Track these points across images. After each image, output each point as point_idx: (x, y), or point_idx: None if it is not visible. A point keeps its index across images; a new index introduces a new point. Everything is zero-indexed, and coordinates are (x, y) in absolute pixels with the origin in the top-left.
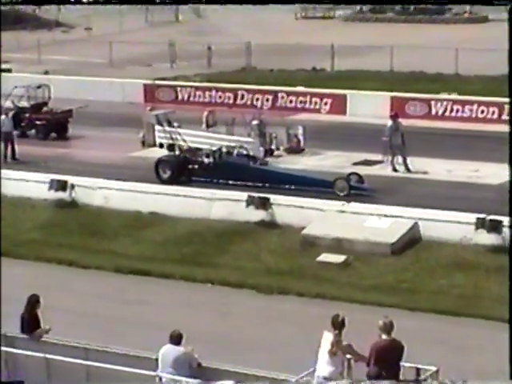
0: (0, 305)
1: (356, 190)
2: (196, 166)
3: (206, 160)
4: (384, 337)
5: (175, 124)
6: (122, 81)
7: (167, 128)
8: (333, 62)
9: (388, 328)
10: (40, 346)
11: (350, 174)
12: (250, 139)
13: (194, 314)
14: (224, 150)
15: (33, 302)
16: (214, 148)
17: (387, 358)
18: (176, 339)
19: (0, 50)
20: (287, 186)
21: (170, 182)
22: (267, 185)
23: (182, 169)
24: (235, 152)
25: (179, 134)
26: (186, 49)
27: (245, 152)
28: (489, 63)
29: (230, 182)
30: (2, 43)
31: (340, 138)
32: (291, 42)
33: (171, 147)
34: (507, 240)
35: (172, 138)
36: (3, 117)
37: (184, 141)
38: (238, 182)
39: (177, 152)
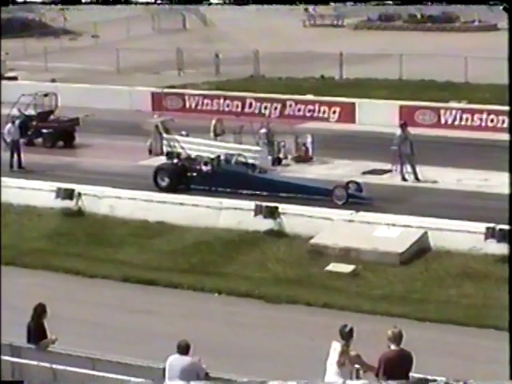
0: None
1: (354, 198)
2: (194, 174)
3: (204, 168)
4: (393, 347)
5: (183, 132)
6: (130, 89)
7: (166, 136)
8: (341, 70)
9: (397, 338)
10: (46, 355)
11: (348, 183)
12: (257, 148)
13: (201, 323)
14: (222, 157)
15: (39, 311)
16: (213, 156)
17: (396, 368)
18: (183, 349)
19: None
20: (286, 195)
21: (169, 190)
22: (265, 193)
23: (180, 177)
24: (234, 160)
25: (177, 141)
26: (194, 56)
27: (243, 160)
28: (498, 71)
29: (229, 190)
30: (8, 51)
31: (349, 146)
32: (300, 49)
33: (170, 155)
34: None
35: (181, 147)
36: (9, 125)
37: (182, 148)
38: (237, 190)
39: (175, 160)
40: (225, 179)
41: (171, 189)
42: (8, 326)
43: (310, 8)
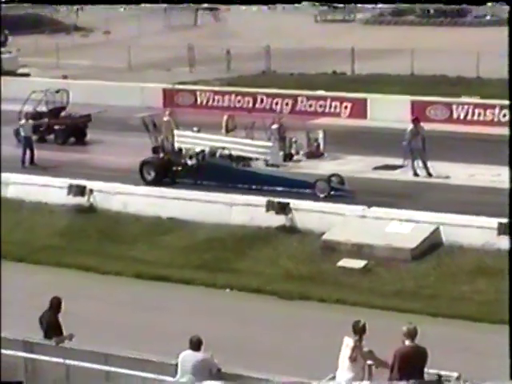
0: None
1: (337, 191)
2: (180, 168)
3: (189, 162)
4: (407, 343)
5: (195, 128)
6: (141, 85)
7: (152, 131)
8: (353, 65)
9: (412, 334)
10: (59, 351)
11: (331, 176)
12: (269, 143)
13: (213, 319)
14: (207, 151)
15: (55, 304)
16: (198, 149)
17: (411, 364)
18: (195, 345)
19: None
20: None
21: (154, 183)
22: (245, 186)
23: (165, 170)
24: (218, 153)
25: (162, 138)
26: (205, 53)
27: (228, 153)
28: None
29: (214, 183)
30: (20, 48)
31: (360, 142)
32: (311, 45)
33: (155, 149)
34: None
35: (193, 143)
36: (23, 121)
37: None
38: (222, 184)
39: (161, 154)
40: (210, 173)
41: (156, 182)
42: (21, 323)
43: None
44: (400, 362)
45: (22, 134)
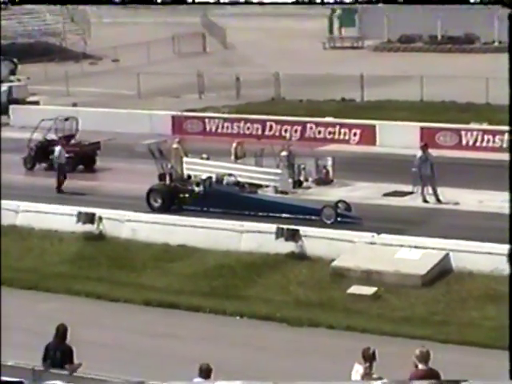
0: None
1: (343, 217)
2: (187, 195)
3: (196, 189)
4: (421, 366)
5: (204, 155)
6: (150, 112)
7: (159, 158)
8: (362, 92)
9: (425, 357)
10: (69, 379)
11: (337, 202)
12: (278, 170)
13: (223, 347)
14: (214, 178)
15: (61, 332)
16: (204, 176)
17: None
18: (205, 372)
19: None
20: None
21: (161, 210)
22: (252, 213)
23: (172, 197)
24: (225, 180)
25: (172, 166)
26: (215, 80)
27: (234, 180)
28: None
29: (220, 210)
30: (30, 76)
31: (369, 168)
32: (320, 72)
33: (162, 176)
34: None
35: (202, 170)
36: (59, 147)
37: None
38: (229, 211)
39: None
40: (216, 200)
41: (163, 210)
42: (30, 351)
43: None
44: None
45: (56, 161)
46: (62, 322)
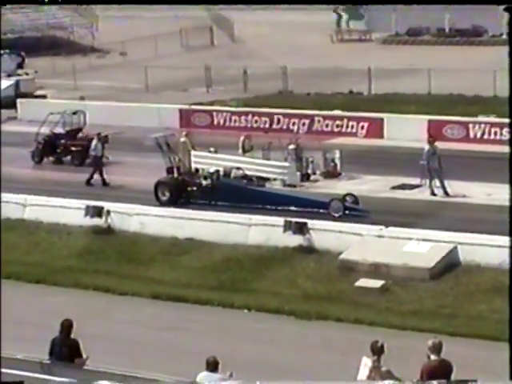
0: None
1: (351, 210)
2: (194, 188)
3: (203, 182)
4: (433, 357)
5: (211, 149)
6: (158, 106)
7: (167, 152)
8: (370, 85)
9: (437, 348)
10: (77, 373)
11: (345, 195)
12: (286, 164)
13: (231, 340)
14: (221, 171)
15: (66, 326)
16: (212, 170)
17: (438, 378)
18: (212, 366)
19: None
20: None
21: (169, 204)
22: (260, 206)
23: (180, 191)
24: (233, 174)
25: (179, 159)
26: (222, 73)
27: (242, 173)
28: None
29: (228, 203)
30: (37, 69)
31: (377, 162)
32: (328, 65)
33: (170, 170)
34: None
35: (210, 164)
36: (95, 141)
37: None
38: (236, 204)
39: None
40: (224, 193)
41: (171, 203)
42: (38, 344)
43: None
44: (428, 377)
45: (93, 153)
46: (66, 317)
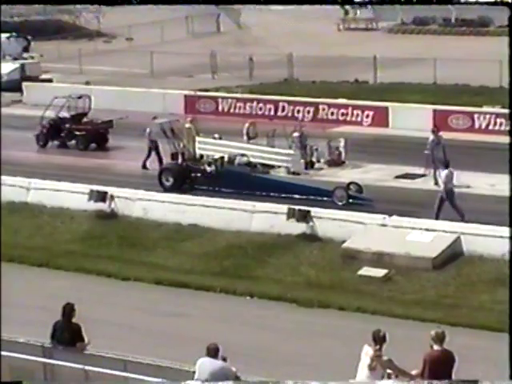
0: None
1: (355, 199)
2: (198, 175)
3: (208, 168)
4: (436, 347)
5: (216, 135)
6: (163, 92)
7: (172, 138)
8: (375, 74)
9: (440, 338)
10: (79, 357)
11: (349, 184)
12: (290, 151)
13: (233, 327)
14: (226, 158)
15: (68, 311)
16: (216, 156)
17: (440, 367)
18: (213, 352)
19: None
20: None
21: (173, 190)
22: (264, 193)
23: (184, 177)
24: (237, 160)
25: (184, 145)
26: (228, 60)
27: (246, 160)
28: None
29: (232, 190)
30: (43, 53)
31: (382, 150)
32: (334, 53)
33: (174, 156)
34: None
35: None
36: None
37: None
38: (240, 191)
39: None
40: (228, 180)
41: (175, 189)
42: (40, 328)
43: (351, 12)
44: (430, 366)
45: (148, 137)
46: (68, 302)
